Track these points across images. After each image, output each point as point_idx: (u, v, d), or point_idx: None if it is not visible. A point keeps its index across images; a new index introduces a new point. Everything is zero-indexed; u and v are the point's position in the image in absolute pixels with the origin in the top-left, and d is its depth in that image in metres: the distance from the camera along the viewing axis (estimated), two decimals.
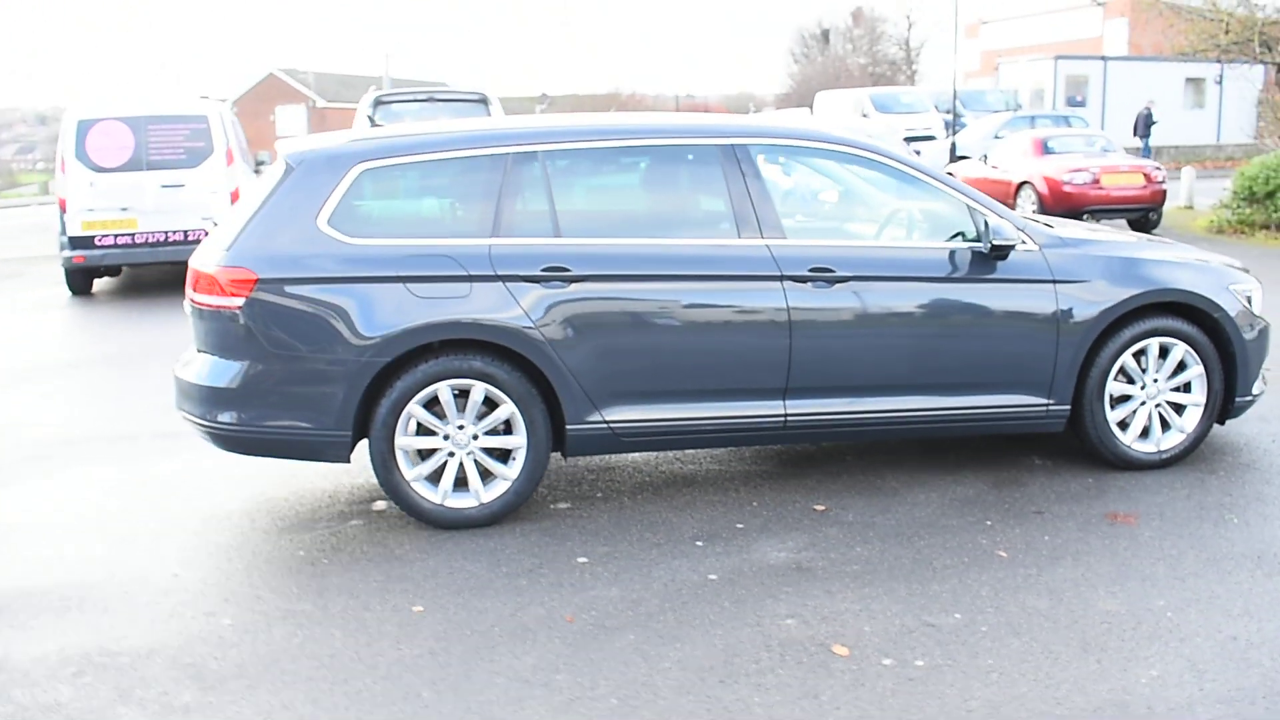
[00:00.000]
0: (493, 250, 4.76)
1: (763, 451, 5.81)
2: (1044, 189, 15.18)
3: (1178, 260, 5.39)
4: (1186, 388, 5.35)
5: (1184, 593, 4.07)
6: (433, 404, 4.80)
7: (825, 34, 77.12)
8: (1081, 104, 32.90)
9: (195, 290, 4.85)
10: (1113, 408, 5.27)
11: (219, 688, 3.56)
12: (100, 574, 4.51)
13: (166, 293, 12.43)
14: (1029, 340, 5.11)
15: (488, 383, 4.76)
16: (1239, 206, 14.82)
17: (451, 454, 4.83)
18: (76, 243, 11.94)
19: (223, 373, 4.77)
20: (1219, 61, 31.08)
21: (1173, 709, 3.31)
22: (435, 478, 4.86)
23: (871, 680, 3.50)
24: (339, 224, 4.75)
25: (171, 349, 9.14)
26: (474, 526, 4.86)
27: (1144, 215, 15.14)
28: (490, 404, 4.82)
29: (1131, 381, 5.29)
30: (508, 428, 4.86)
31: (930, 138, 27.20)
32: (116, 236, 11.97)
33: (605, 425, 4.87)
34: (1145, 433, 5.35)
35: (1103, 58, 33.90)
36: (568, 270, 4.77)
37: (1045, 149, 16.12)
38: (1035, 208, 15.10)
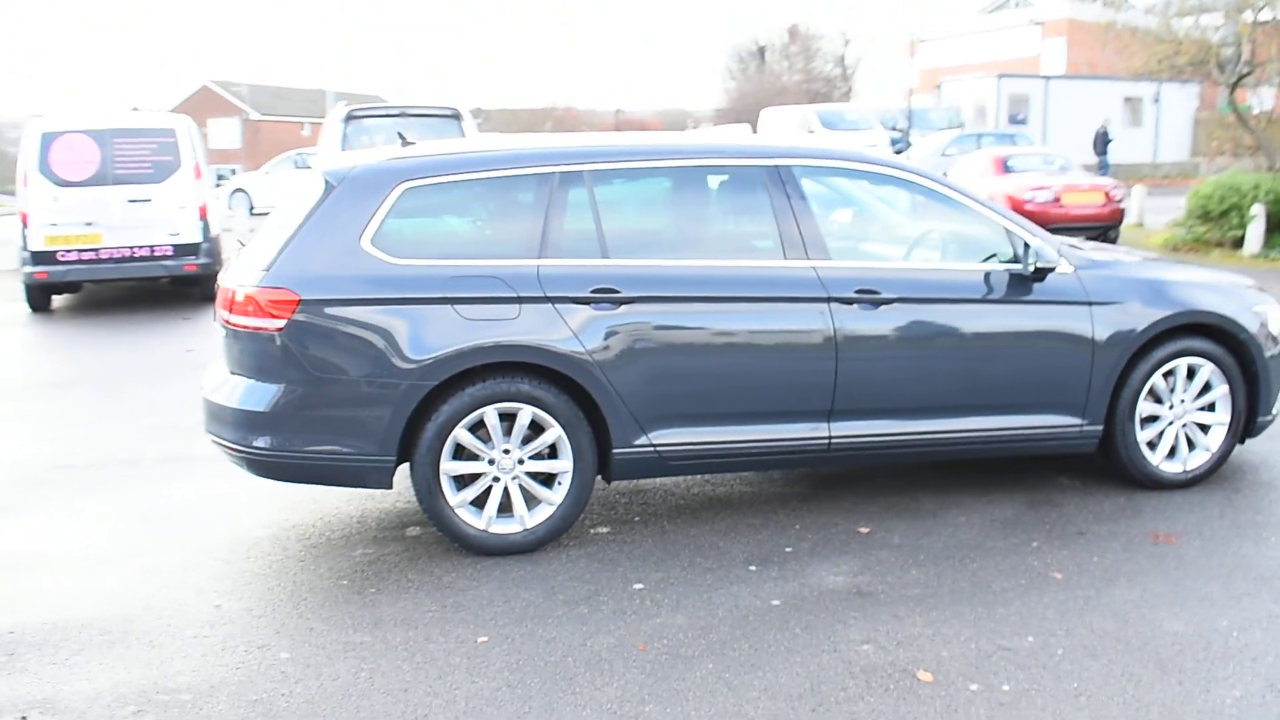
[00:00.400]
0: (541, 271, 4.69)
1: (792, 473, 5.79)
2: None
3: (1204, 282, 5.48)
4: (1210, 407, 5.44)
5: (1244, 612, 4.12)
6: (476, 428, 4.71)
7: (761, 51, 77.87)
8: (1023, 122, 33.56)
9: (231, 311, 4.70)
10: (1142, 428, 5.34)
11: None
12: (135, 606, 4.35)
13: (129, 309, 12.13)
14: (1065, 361, 5.16)
15: (535, 406, 4.69)
16: (1194, 225, 15.18)
17: (496, 479, 4.75)
18: (39, 258, 11.60)
19: (260, 396, 4.64)
20: (1157, 81, 31.99)
21: None
22: (479, 503, 4.77)
23: (964, 707, 3.49)
24: (382, 244, 4.65)
25: (147, 369, 8.95)
26: (518, 552, 4.77)
27: (1103, 233, 15.44)
28: (535, 428, 4.75)
29: (1159, 401, 5.37)
30: (552, 452, 4.79)
31: None
32: (80, 252, 11.64)
33: (652, 449, 4.82)
34: (1171, 452, 5.42)
35: (1044, 76, 34.62)
36: (617, 291, 4.71)
37: (1005, 168, 16.40)
38: None
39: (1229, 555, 4.65)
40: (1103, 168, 26.67)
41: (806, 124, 33.33)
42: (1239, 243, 14.44)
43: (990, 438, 5.17)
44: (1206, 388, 5.39)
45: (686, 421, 4.85)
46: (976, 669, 3.73)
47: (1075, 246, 5.52)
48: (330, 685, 3.70)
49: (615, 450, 4.79)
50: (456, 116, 12.89)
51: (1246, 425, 5.49)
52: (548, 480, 4.82)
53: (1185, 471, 5.41)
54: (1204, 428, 5.45)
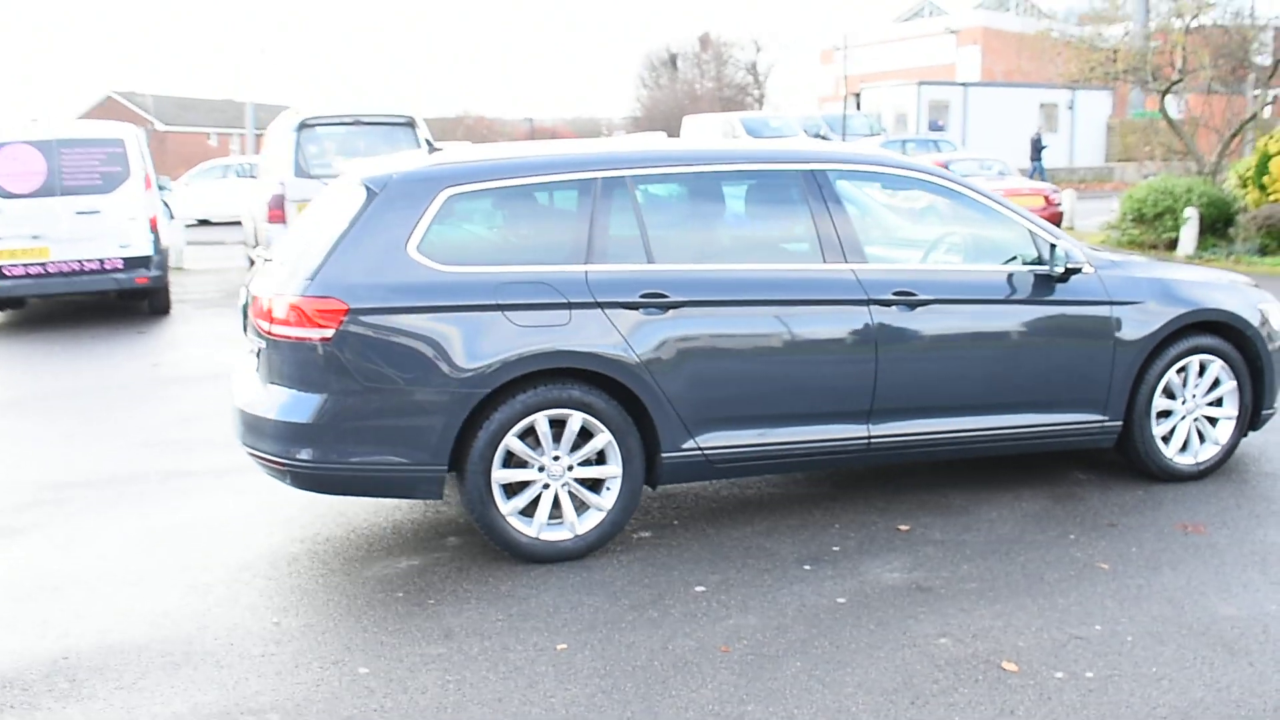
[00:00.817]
0: (590, 276, 4.69)
1: (816, 474, 5.86)
2: None
3: (1210, 281, 5.69)
4: (1218, 402, 5.64)
5: None
6: (524, 435, 4.68)
7: (673, 59, 78.40)
8: (942, 128, 34.33)
9: (272, 321, 4.61)
10: (1157, 423, 5.52)
11: None
12: (190, 626, 4.24)
13: (77, 325, 11.76)
14: (1089, 360, 5.31)
15: (585, 412, 4.68)
16: (1128, 227, 15.70)
17: (546, 486, 4.72)
18: None
19: (304, 407, 4.55)
20: (1073, 88, 33.02)
21: None
22: (527, 511, 4.74)
23: (1055, 694, 3.58)
24: (429, 251, 4.60)
25: (115, 386, 8.68)
26: (568, 559, 4.76)
27: None
28: (582, 433, 4.74)
29: (1172, 397, 5.55)
30: (600, 457, 4.78)
31: None
32: (27, 266, 11.25)
33: (700, 452, 4.84)
34: (1184, 446, 5.61)
35: (963, 84, 35.51)
36: (665, 296, 4.73)
37: None
38: None
39: (1257, 543, 4.83)
40: (1038, 173, 27.44)
41: (731, 131, 33.70)
42: (1173, 244, 14.97)
43: (1019, 435, 5.29)
44: (1215, 383, 5.60)
45: (732, 424, 4.89)
46: (1056, 658, 3.82)
47: (1092, 248, 5.68)
48: (420, 699, 3.65)
49: (664, 454, 4.80)
50: (411, 124, 12.78)
51: (1251, 418, 5.70)
52: (595, 486, 4.81)
53: (1197, 464, 5.60)
54: (1212, 421, 5.65)
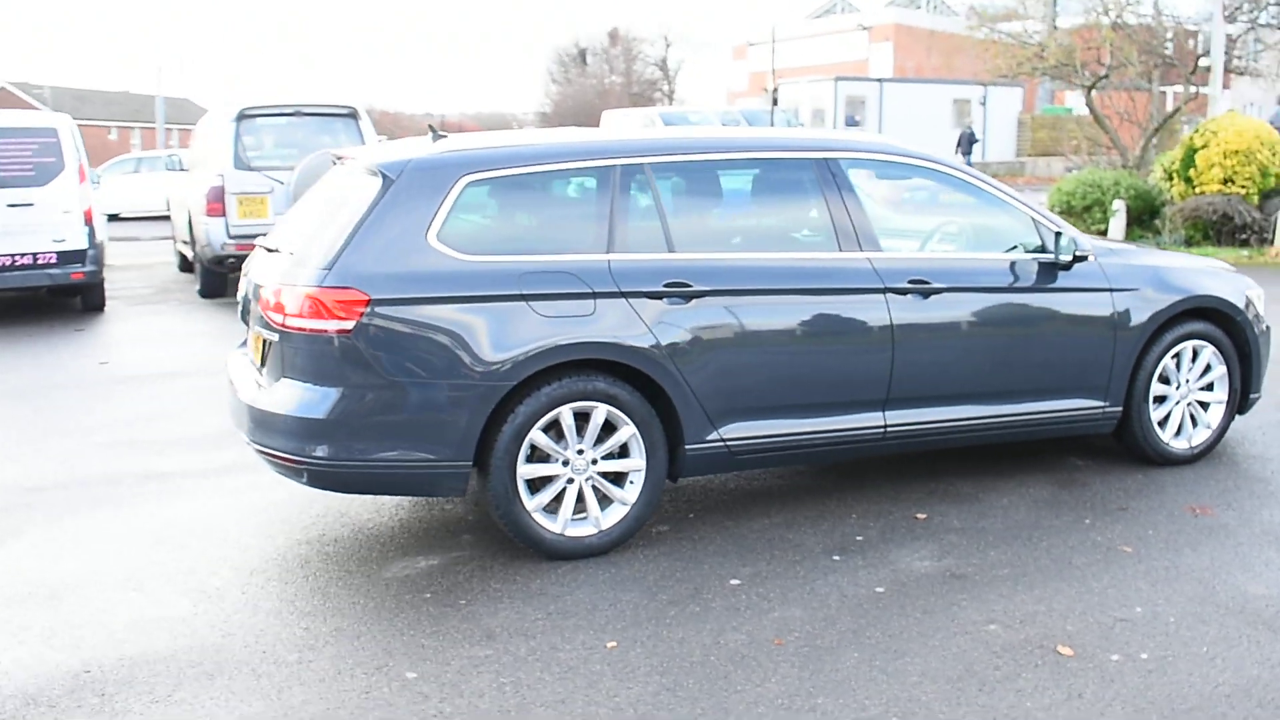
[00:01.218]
0: (613, 265, 4.60)
1: (821, 465, 5.84)
2: None
3: (1200, 268, 5.82)
4: (1209, 387, 5.77)
5: None
6: (548, 428, 4.58)
7: (583, 54, 78.22)
8: (858, 123, 34.81)
9: (285, 313, 4.42)
10: (1154, 408, 5.62)
11: None
12: (212, 633, 4.05)
13: (8, 320, 11.22)
14: (1092, 346, 5.39)
15: (610, 404, 4.59)
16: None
17: (570, 480, 4.62)
18: None
19: (320, 402, 4.38)
20: (983, 84, 33.75)
21: None
22: (550, 507, 4.63)
23: (1117, 676, 3.61)
24: (449, 239, 4.47)
25: (65, 385, 8.30)
26: (593, 555, 4.66)
27: None
28: (606, 426, 4.65)
29: (1167, 383, 5.66)
30: (623, 451, 4.70)
31: None
32: None
33: (722, 444, 4.79)
34: (1178, 430, 5.72)
35: (879, 79, 36.03)
36: (689, 285, 4.66)
37: None
38: None
39: (1265, 523, 4.95)
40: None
41: (651, 125, 33.70)
42: (1102, 236, 15.34)
43: (1027, 421, 5.35)
44: (1207, 368, 5.72)
45: (754, 415, 4.84)
46: (1107, 641, 3.85)
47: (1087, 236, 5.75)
48: (480, 703, 3.53)
49: (687, 446, 4.74)
50: (353, 116, 12.49)
51: (1240, 402, 5.84)
52: (618, 480, 4.72)
53: (1191, 448, 5.73)
54: (1204, 406, 5.78)
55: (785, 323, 4.85)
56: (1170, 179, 15.08)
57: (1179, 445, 5.71)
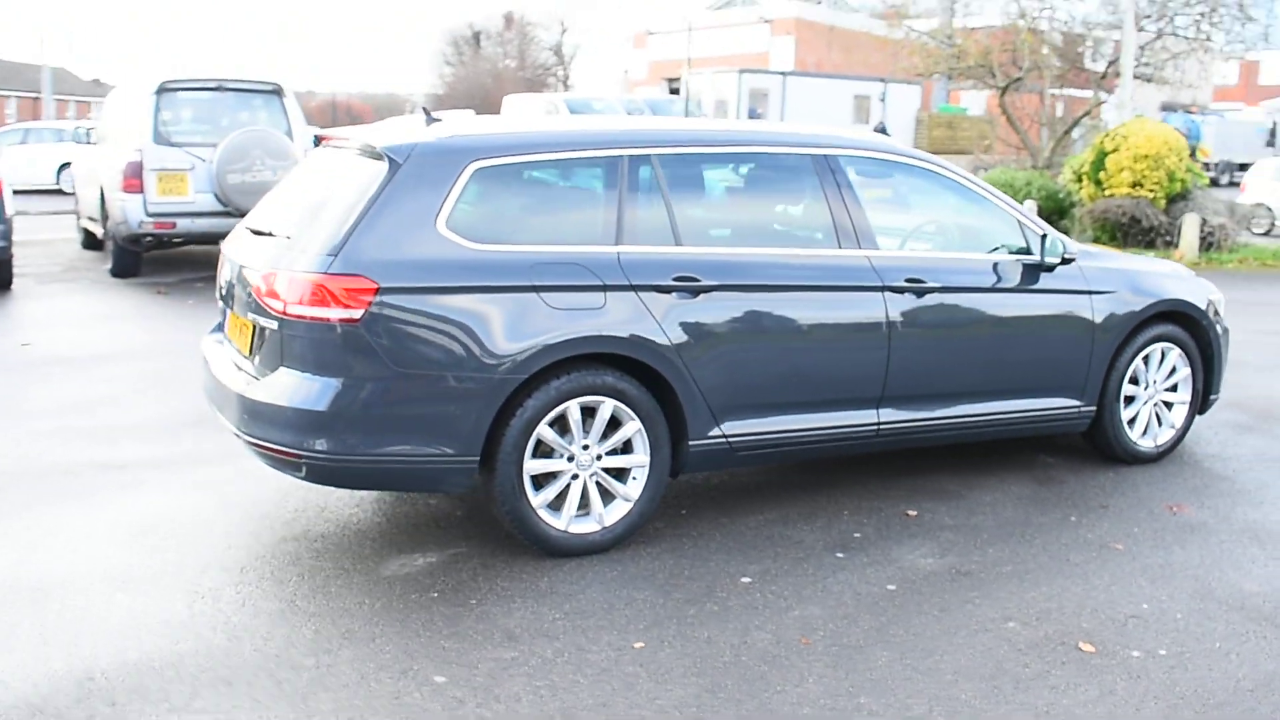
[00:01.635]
0: (622, 258, 4.52)
1: (800, 462, 5.84)
2: None
3: (1167, 272, 6.00)
4: (1173, 388, 5.95)
5: None
6: (553, 423, 4.48)
7: (476, 36, 77.32)
8: (761, 115, 35.06)
9: (286, 300, 4.23)
10: (1125, 407, 5.78)
11: None
12: (217, 636, 3.86)
13: None
14: (1072, 347, 5.51)
15: (617, 399, 4.52)
16: None
17: (575, 476, 4.54)
18: None
19: (323, 394, 4.21)
20: (883, 81, 34.36)
21: None
22: (555, 504, 4.54)
23: (1143, 672, 3.70)
24: (458, 227, 4.33)
25: None
26: (596, 552, 4.59)
27: None
28: (611, 422, 4.57)
29: (1136, 383, 5.82)
30: (626, 446, 4.63)
31: None
32: None
33: (724, 440, 4.76)
34: (1145, 430, 5.89)
35: (782, 73, 36.30)
36: (697, 280, 4.61)
37: None
38: None
39: (1241, 520, 5.14)
40: None
41: (555, 111, 33.50)
42: None
43: (1010, 420, 5.45)
44: (1172, 370, 5.90)
45: (756, 411, 4.82)
46: (1124, 637, 3.94)
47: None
48: (519, 708, 3.43)
49: (691, 442, 4.69)
50: (278, 92, 12.09)
51: (1201, 403, 6.05)
52: (620, 476, 4.65)
53: (1156, 446, 5.91)
54: (1168, 405, 5.96)
55: (789, 319, 4.83)
56: (1080, 181, 15.57)
57: (1146, 444, 5.89)
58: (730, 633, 3.93)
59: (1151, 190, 14.72)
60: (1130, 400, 5.83)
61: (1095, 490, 5.50)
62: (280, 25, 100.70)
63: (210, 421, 6.31)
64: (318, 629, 3.93)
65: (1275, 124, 35.07)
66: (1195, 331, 5.92)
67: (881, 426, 5.10)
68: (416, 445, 4.29)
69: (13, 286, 11.13)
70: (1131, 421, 5.83)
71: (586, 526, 4.58)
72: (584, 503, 4.59)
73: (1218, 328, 6.00)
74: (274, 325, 4.31)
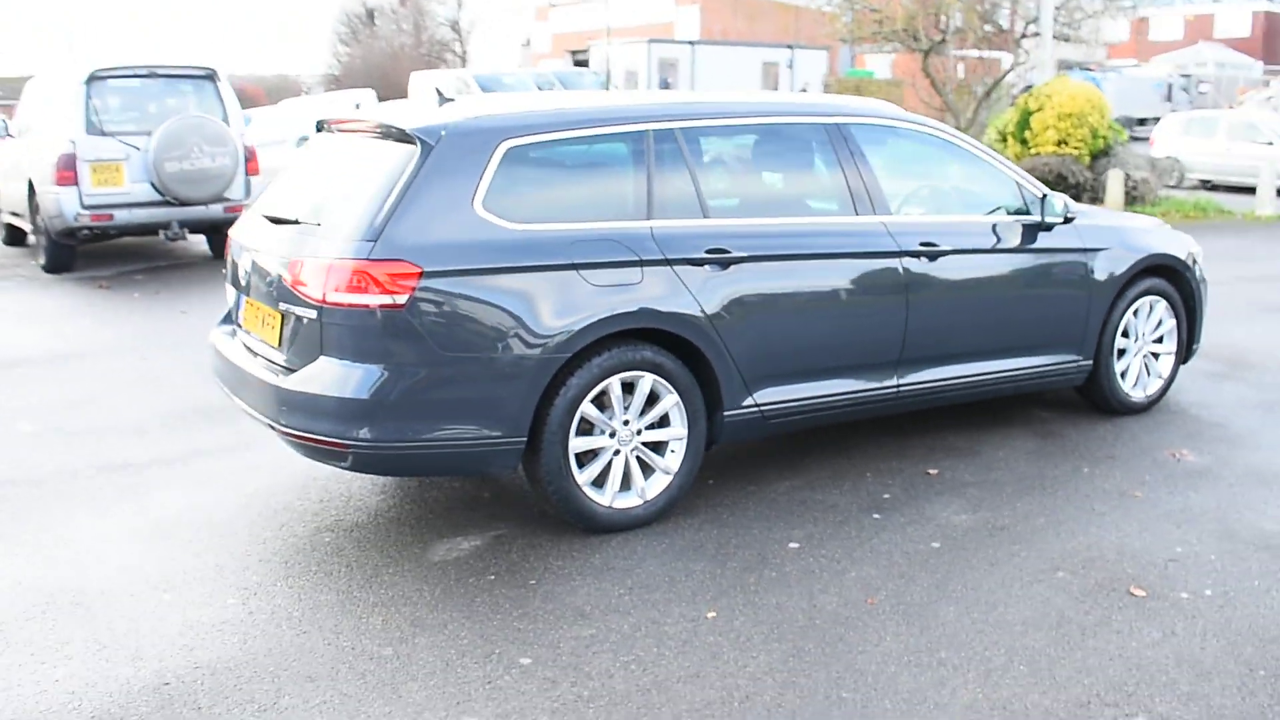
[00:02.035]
0: (655, 232, 4.53)
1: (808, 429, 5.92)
2: None
3: (1149, 227, 6.20)
4: (1159, 340, 6.16)
5: None
6: (594, 400, 4.48)
7: (370, 14, 75.78)
8: (671, 85, 35.08)
9: (324, 288, 4.15)
10: (1118, 360, 5.98)
11: None
12: (285, 634, 3.79)
13: None
14: (1072, 303, 5.68)
15: (656, 374, 4.53)
16: None
17: (617, 452, 4.55)
18: None
19: (367, 381, 4.15)
20: (790, 47, 34.68)
21: None
22: (598, 480, 4.55)
23: (1198, 613, 3.85)
24: (494, 207, 4.29)
25: None
26: (638, 526, 4.61)
27: None
28: (650, 396, 4.59)
29: (1127, 336, 6.02)
30: (663, 420, 4.65)
31: None
32: None
33: (757, 409, 4.81)
34: (1135, 381, 6.10)
35: (691, 42, 36.34)
36: (728, 252, 4.64)
37: None
38: None
39: (1240, 464, 5.36)
40: None
41: (465, 87, 33.07)
42: None
43: (1016, 377, 5.60)
44: (1159, 322, 6.11)
45: (785, 379, 4.88)
46: (1168, 580, 4.10)
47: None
48: (613, 684, 3.45)
49: (726, 412, 4.74)
50: (211, 78, 11.71)
51: (1185, 353, 6.28)
52: (658, 449, 4.68)
53: (1147, 397, 6.13)
54: (1155, 356, 6.18)
55: (814, 287, 4.90)
56: (1005, 140, 15.91)
57: (1137, 395, 6.10)
58: (797, 597, 4.00)
59: (1076, 148, 15.12)
60: (1122, 353, 6.02)
61: (1097, 441, 5.68)
62: (167, 6, 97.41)
63: (203, 417, 6.19)
64: (385, 618, 3.89)
65: (1172, 80, 36.25)
66: (1179, 284, 6.14)
67: (901, 388, 5.20)
68: (464, 429, 4.26)
69: None
70: (1123, 374, 6.03)
71: (629, 501, 4.60)
72: (625, 478, 4.60)
73: (1199, 278, 6.23)
74: (312, 314, 4.22)
